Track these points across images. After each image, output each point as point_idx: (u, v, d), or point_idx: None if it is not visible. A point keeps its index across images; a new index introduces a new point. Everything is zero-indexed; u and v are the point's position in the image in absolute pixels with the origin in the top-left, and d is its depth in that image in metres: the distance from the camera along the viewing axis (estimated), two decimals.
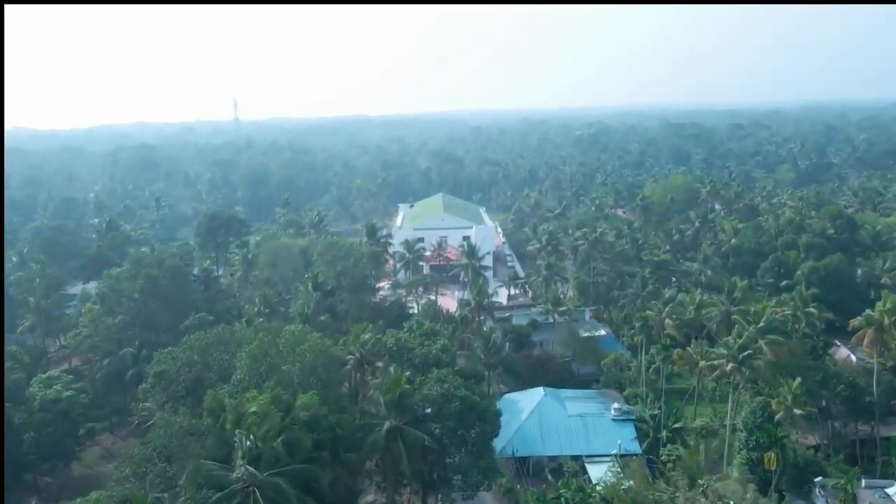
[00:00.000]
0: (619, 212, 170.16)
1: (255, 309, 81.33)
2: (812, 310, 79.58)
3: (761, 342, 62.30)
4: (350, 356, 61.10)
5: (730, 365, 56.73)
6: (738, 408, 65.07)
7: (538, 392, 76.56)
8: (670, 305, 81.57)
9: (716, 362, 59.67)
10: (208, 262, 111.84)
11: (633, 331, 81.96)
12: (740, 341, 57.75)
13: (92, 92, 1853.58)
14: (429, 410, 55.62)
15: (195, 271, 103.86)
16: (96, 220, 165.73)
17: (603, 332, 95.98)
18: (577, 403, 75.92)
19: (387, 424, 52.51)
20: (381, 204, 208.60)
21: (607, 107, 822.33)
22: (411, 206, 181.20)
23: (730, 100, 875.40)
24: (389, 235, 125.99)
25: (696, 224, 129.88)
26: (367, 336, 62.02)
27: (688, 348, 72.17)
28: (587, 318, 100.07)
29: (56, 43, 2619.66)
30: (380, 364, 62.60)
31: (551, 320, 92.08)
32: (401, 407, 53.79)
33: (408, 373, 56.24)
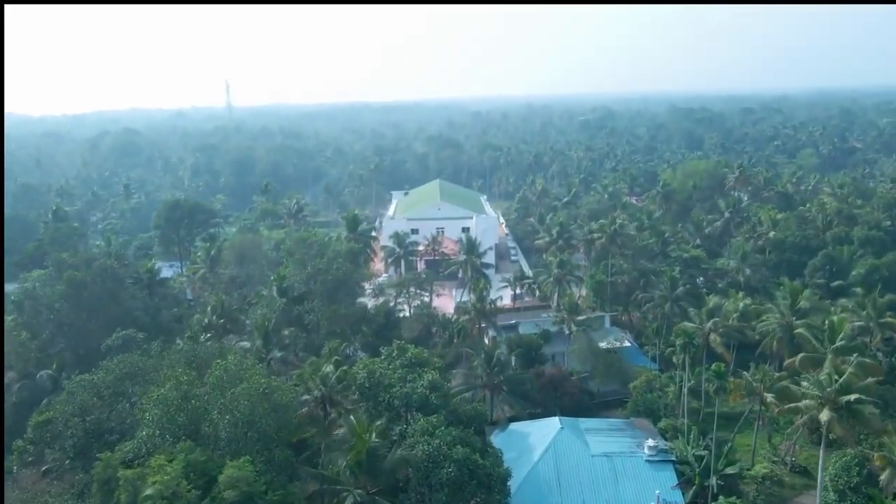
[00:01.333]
0: (633, 200, 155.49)
1: (206, 320, 66.02)
2: (891, 320, 64.42)
3: (849, 369, 46.45)
4: (307, 396, 45.69)
5: (826, 413, 40.59)
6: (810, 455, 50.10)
7: (553, 424, 61.55)
8: (715, 318, 65.76)
9: (801, 405, 43.38)
10: (153, 260, 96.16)
11: (671, 349, 66.70)
12: (840, 380, 41.55)
13: (87, 78, 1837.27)
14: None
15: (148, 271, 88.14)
16: (66, 209, 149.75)
17: (627, 344, 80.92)
18: (602, 438, 60.92)
19: (350, 499, 37.56)
20: (374, 191, 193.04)
21: (607, 94, 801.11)
22: (406, 194, 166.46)
23: (732, 86, 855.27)
24: (375, 228, 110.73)
25: (726, 214, 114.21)
26: (329, 368, 46.51)
27: (744, 374, 56.73)
28: (607, 325, 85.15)
29: (51, 29, 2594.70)
30: (354, 397, 47.70)
31: (567, 331, 76.68)
32: (371, 471, 38.85)
33: (380, 421, 41.15)
